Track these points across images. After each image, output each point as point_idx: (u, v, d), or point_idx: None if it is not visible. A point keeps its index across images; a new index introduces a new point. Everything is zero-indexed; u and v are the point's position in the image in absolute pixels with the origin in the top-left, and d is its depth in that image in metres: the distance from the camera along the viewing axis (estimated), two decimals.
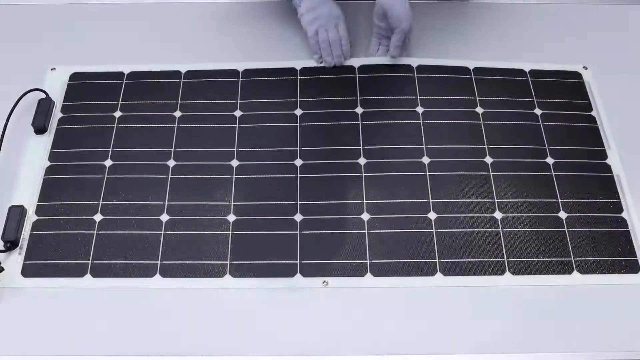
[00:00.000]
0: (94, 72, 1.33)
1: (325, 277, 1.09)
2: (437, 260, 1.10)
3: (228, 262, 1.10)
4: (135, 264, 1.10)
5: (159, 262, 1.10)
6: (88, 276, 1.09)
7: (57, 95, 1.30)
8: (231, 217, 1.14)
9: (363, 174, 1.19)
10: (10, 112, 1.23)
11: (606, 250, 1.12)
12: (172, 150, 1.22)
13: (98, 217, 1.14)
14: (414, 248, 1.11)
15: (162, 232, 1.13)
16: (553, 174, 1.20)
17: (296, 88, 1.30)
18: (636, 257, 1.12)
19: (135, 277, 1.09)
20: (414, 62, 1.33)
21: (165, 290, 1.08)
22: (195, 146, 1.23)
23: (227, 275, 1.09)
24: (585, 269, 1.10)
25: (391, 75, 1.33)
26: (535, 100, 1.29)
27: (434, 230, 1.13)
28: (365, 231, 1.13)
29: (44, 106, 1.26)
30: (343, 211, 1.15)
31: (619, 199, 1.18)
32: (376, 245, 1.11)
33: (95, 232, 1.13)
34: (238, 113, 1.27)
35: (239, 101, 1.29)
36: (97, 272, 1.09)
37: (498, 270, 1.10)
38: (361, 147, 1.22)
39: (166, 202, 1.16)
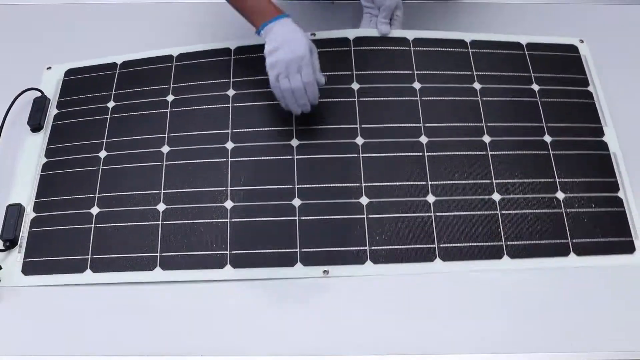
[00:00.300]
0: (88, 66, 1.28)
1: (325, 265, 1.06)
2: (436, 245, 1.07)
3: (228, 252, 1.06)
4: (135, 258, 1.07)
5: (158, 254, 1.07)
6: (88, 271, 1.06)
7: (53, 93, 1.25)
8: (229, 204, 1.10)
9: (361, 155, 1.15)
10: (7, 113, 1.20)
11: (602, 231, 1.10)
12: (166, 135, 1.17)
13: (95, 210, 1.11)
14: (413, 234, 1.08)
15: (160, 222, 1.09)
16: (551, 152, 1.16)
17: None
18: (631, 237, 1.10)
19: (135, 270, 1.06)
20: (410, 35, 1.28)
21: (166, 286, 1.05)
22: (188, 130, 1.18)
23: (228, 266, 1.06)
24: (582, 251, 1.08)
25: (387, 48, 1.27)
26: (532, 75, 1.24)
27: (432, 214, 1.10)
28: (364, 216, 1.09)
29: (39, 104, 1.22)
30: (341, 195, 1.11)
31: (615, 177, 1.15)
32: (375, 231, 1.08)
33: (92, 226, 1.09)
34: (231, 92, 1.22)
35: (231, 80, 1.23)
36: (97, 267, 1.06)
37: (496, 254, 1.07)
38: (358, 125, 1.18)
39: (162, 191, 1.12)
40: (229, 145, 1.16)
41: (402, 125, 1.18)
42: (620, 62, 1.29)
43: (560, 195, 1.12)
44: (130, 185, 1.13)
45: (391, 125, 1.18)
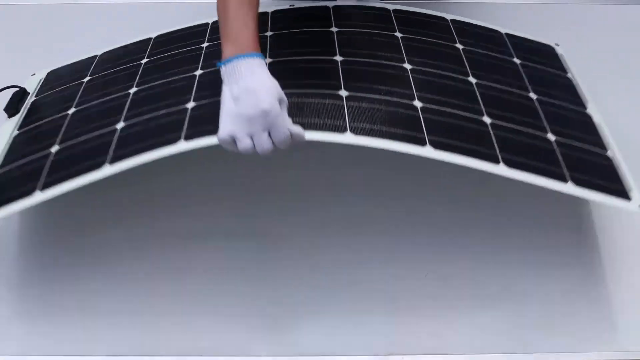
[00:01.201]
0: (68, 64, 1.19)
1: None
2: (425, 135, 0.88)
3: None
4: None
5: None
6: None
7: (33, 89, 1.14)
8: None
9: (340, 67, 0.99)
10: None
11: (596, 175, 0.93)
12: (135, 81, 1.05)
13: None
14: (400, 122, 0.90)
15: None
16: (538, 107, 1.03)
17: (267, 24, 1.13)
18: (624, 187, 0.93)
19: None
20: (390, 6, 1.19)
21: (166, 284, 0.97)
22: (160, 79, 1.04)
23: None
24: (580, 183, 0.91)
25: (368, 12, 1.17)
26: (513, 51, 1.15)
27: (420, 114, 0.92)
28: (344, 103, 0.90)
29: (17, 95, 1.12)
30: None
31: (599, 139, 1.01)
32: (357, 116, 0.90)
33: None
34: (205, 44, 1.10)
35: (207, 37, 1.12)
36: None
37: (492, 159, 0.89)
38: (337, 48, 1.04)
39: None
40: (198, 72, 1.01)
41: (386, 54, 1.04)
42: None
43: (551, 137, 0.97)
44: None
45: (373, 52, 1.04)
